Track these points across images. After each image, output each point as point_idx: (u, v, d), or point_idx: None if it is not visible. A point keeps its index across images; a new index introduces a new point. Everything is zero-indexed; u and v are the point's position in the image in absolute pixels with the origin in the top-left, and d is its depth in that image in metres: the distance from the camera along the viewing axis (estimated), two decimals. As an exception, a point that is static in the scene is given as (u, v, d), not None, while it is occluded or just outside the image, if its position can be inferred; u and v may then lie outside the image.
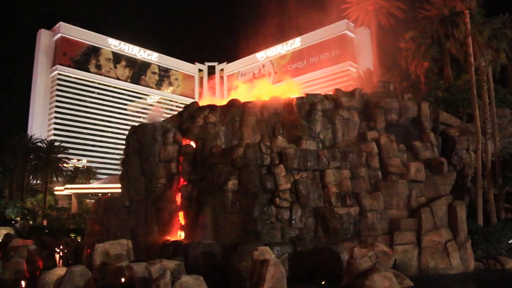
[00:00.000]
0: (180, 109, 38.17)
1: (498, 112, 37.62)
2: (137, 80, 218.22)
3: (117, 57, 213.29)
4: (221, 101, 36.12)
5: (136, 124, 38.33)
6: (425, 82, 49.74)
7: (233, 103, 33.24)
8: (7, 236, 47.96)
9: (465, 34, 35.40)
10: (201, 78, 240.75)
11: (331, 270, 24.54)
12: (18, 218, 66.30)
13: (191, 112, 34.23)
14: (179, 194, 30.89)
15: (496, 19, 39.13)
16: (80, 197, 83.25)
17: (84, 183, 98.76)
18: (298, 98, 32.02)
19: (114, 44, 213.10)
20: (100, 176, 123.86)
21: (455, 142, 31.66)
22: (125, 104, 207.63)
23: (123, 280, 21.80)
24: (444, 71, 50.70)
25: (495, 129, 35.28)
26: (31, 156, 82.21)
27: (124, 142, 37.58)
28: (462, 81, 44.54)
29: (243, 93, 39.70)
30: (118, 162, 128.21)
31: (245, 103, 32.92)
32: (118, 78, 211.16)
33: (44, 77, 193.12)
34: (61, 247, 42.31)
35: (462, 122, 35.61)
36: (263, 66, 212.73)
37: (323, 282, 21.26)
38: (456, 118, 35.61)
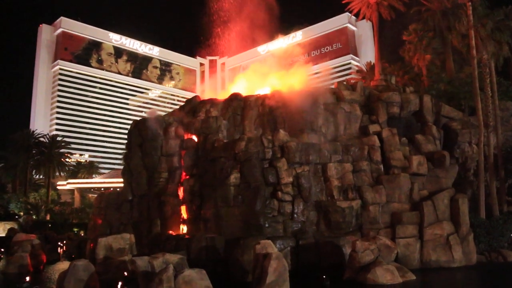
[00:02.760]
0: (182, 103, 38.19)
1: (500, 105, 37.53)
2: (138, 75, 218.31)
3: (118, 52, 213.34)
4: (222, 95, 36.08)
5: (138, 118, 38.34)
6: (427, 75, 49.53)
7: (234, 97, 33.22)
8: (10, 230, 48.12)
9: (467, 27, 35.26)
10: (202, 72, 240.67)
11: (333, 263, 24.55)
12: (22, 213, 66.59)
13: (193, 106, 34.24)
14: (181, 188, 30.94)
15: (498, 11, 38.92)
16: (83, 191, 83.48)
17: (87, 178, 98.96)
18: (299, 92, 31.96)
19: (115, 39, 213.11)
20: (103, 171, 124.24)
21: (457, 135, 31.61)
22: (127, 99, 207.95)
23: (126, 274, 21.84)
24: (446, 64, 50.47)
25: (498, 122, 35.21)
26: (34, 151, 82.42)
27: (126, 136, 37.66)
28: (464, 74, 44.36)
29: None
30: (120, 156, 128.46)
31: (247, 97, 32.92)
32: (119, 73, 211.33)
33: (46, 72, 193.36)
34: (64, 242, 42.46)
35: (464, 115, 35.52)
36: (265, 59, 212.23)
37: (325, 276, 21.26)
38: (458, 111, 35.52)
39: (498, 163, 33.67)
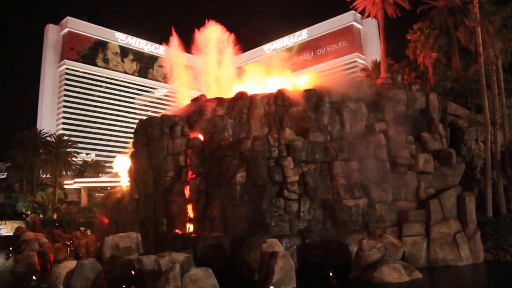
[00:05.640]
0: (188, 102, 38.24)
1: (507, 102, 37.23)
2: (144, 74, 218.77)
3: (124, 51, 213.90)
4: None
5: (144, 117, 38.41)
6: (433, 72, 49.26)
7: (240, 95, 33.23)
8: (18, 229, 48.45)
9: (474, 24, 35.04)
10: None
11: (340, 262, 24.55)
12: (29, 212, 66.88)
13: (199, 105, 34.26)
14: (188, 187, 30.98)
15: (505, 8, 38.58)
16: (90, 190, 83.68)
17: (93, 177, 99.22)
18: (305, 90, 31.94)
19: (121, 38, 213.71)
20: (109, 170, 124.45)
21: (464, 133, 31.44)
22: (133, 98, 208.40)
23: (132, 272, 21.95)
24: (452, 62, 50.21)
25: (505, 119, 34.97)
26: (41, 151, 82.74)
27: (132, 135, 37.75)
28: (471, 72, 44.11)
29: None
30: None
31: (253, 96, 32.91)
32: (125, 72, 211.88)
33: (52, 71, 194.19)
34: (71, 240, 42.67)
35: (471, 113, 35.30)
36: (270, 58, 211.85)
37: (331, 274, 21.26)
38: (465, 108, 35.34)
39: (505, 161, 33.44)
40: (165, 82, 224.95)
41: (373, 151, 29.19)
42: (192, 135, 32.74)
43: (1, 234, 54.49)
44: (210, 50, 45.45)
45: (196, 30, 46.68)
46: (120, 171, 47.10)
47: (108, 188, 73.03)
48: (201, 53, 46.26)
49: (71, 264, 28.47)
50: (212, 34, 46.27)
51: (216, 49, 45.15)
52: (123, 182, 41.78)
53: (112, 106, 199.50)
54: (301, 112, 30.95)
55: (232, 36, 45.94)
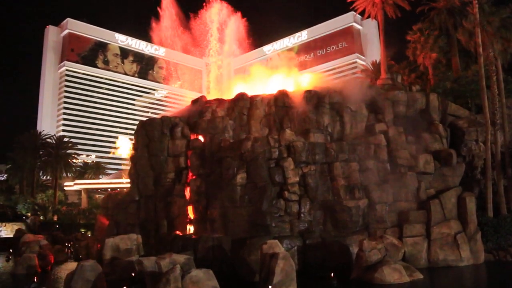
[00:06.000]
0: (188, 104, 38.27)
1: (507, 103, 37.24)
2: (144, 75, 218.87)
3: (124, 52, 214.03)
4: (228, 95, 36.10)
5: (144, 119, 38.43)
6: (433, 73, 49.30)
7: (240, 96, 33.23)
8: (18, 231, 48.40)
9: (474, 25, 35.05)
10: (208, 72, 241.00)
11: (341, 263, 24.54)
12: (29, 214, 66.89)
13: (199, 106, 34.26)
14: (188, 188, 30.97)
15: (504, 9, 38.56)
16: (90, 192, 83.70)
17: (93, 179, 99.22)
18: (306, 91, 31.95)
19: (121, 40, 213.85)
20: (109, 171, 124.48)
21: (464, 133, 31.45)
22: (133, 99, 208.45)
23: (133, 274, 21.93)
24: (452, 62, 50.23)
25: (505, 119, 34.97)
26: (41, 152, 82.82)
27: (132, 136, 37.71)
28: (471, 72, 44.12)
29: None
30: (126, 157, 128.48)
31: (253, 97, 32.92)
32: (125, 73, 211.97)
33: (52, 73, 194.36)
34: (71, 242, 42.62)
35: (471, 113, 35.31)
36: (270, 59, 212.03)
37: (332, 275, 21.24)
38: (465, 109, 35.35)
39: (505, 161, 33.44)
40: (165, 84, 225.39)
41: (373, 152, 29.20)
42: (192, 137, 32.72)
43: (1, 236, 54.44)
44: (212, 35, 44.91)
45: (191, 14, 45.78)
46: (123, 152, 47.24)
47: (109, 189, 73.09)
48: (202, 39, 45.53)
49: (72, 266, 28.44)
50: (214, 17, 45.69)
51: (218, 34, 44.69)
52: (124, 183, 41.76)
53: (112, 108, 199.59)
54: (302, 113, 30.96)
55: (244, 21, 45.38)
